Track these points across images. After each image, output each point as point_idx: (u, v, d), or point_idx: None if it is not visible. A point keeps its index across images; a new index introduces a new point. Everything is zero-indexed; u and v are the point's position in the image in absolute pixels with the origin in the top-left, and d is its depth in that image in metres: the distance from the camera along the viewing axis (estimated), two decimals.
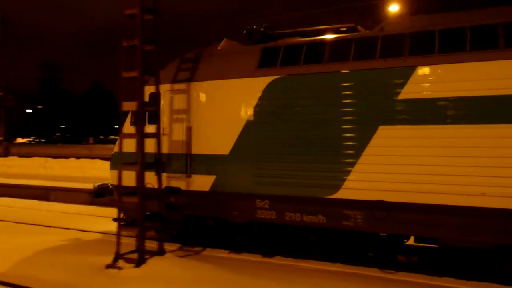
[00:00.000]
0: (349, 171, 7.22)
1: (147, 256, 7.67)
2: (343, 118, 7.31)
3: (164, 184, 8.81)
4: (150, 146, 8.58)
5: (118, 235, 7.83)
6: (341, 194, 7.29)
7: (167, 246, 8.42)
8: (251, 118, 8.04)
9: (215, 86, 8.46)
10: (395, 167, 6.88)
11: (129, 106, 8.09)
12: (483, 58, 6.40)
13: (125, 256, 7.71)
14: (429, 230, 6.79)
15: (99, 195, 10.46)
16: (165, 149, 8.83)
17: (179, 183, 8.72)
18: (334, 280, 6.97)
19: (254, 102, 8.03)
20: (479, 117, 6.33)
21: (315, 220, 7.54)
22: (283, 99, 7.80)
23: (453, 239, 6.68)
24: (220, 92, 8.41)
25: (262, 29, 8.80)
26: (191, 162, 8.57)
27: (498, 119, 6.21)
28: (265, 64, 8.10)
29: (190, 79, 8.73)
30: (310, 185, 7.52)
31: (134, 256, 7.63)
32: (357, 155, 7.17)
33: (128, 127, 9.39)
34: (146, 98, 9.01)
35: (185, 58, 9.25)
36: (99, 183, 10.52)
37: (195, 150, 8.55)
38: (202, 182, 8.48)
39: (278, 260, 8.12)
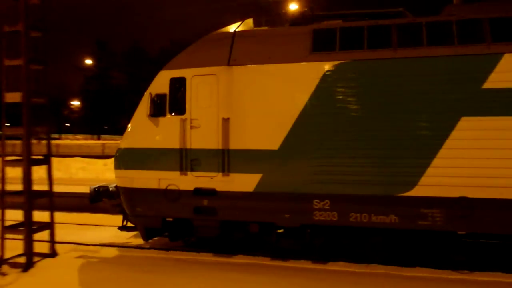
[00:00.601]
0: (427, 166, 6.70)
1: (37, 259, 7.44)
2: (420, 108, 6.75)
3: (193, 185, 7.62)
4: (166, 139, 7.45)
5: (2, 238, 7.31)
6: (417, 191, 6.74)
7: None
8: (307, 108, 7.14)
9: (260, 71, 7.41)
10: (480, 161, 6.49)
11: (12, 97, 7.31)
12: None
13: (10, 261, 7.30)
14: None
15: (95, 200, 8.86)
16: (194, 144, 7.62)
17: (214, 183, 7.56)
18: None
19: (311, 90, 7.14)
20: None
21: (386, 220, 6.92)
22: (347, 87, 7.03)
23: None
24: (266, 77, 7.38)
25: (304, 11, 7.93)
26: (229, 159, 7.46)
27: None
28: (320, 47, 7.24)
29: (224, 62, 7.57)
30: (381, 182, 6.88)
31: (22, 260, 7.30)
32: (436, 149, 6.66)
33: (142, 118, 7.97)
34: (159, 84, 7.77)
35: (211, 38, 8.03)
36: (96, 185, 8.91)
37: (234, 145, 7.45)
38: (244, 182, 7.42)
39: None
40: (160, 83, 7.91)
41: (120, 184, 8.22)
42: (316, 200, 7.14)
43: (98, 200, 8.89)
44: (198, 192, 7.65)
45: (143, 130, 8.00)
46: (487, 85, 6.49)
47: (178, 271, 7.12)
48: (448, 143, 6.62)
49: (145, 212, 8.03)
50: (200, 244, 8.34)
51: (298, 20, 7.98)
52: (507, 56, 6.42)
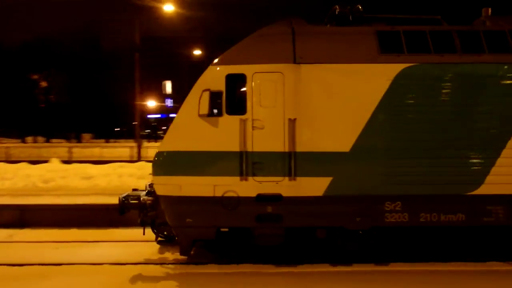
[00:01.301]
0: (493, 165, 7.20)
1: None
2: (485, 110, 7.24)
3: (255, 191, 7.15)
4: (223, 141, 6.95)
5: None
6: (483, 190, 7.20)
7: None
8: (379, 110, 7.17)
9: (329, 70, 7.23)
10: None
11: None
12: None
13: None
14: None
15: (123, 211, 7.80)
16: (256, 147, 7.15)
17: (279, 188, 7.16)
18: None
19: (382, 92, 7.19)
20: None
21: (454, 218, 7.26)
22: (416, 89, 7.24)
23: None
24: (335, 77, 7.23)
25: (354, 11, 7.94)
26: (296, 162, 7.14)
27: None
28: (388, 49, 7.35)
29: (290, 60, 7.25)
30: (450, 182, 7.20)
31: None
32: (501, 148, 7.20)
33: (192, 118, 7.23)
34: (212, 80, 7.19)
35: (269, 33, 7.63)
36: (124, 194, 7.83)
37: (302, 147, 7.16)
38: (313, 186, 7.17)
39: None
40: (214, 80, 7.27)
41: (163, 193, 7.32)
42: (388, 202, 7.21)
43: (125, 211, 7.84)
44: (261, 198, 7.17)
45: (193, 131, 7.25)
46: None
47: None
48: (507, 144, 7.21)
49: (197, 222, 7.27)
50: (201, 255, 7.85)
51: (346, 19, 7.97)
52: None
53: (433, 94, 7.24)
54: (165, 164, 7.33)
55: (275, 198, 7.18)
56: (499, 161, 7.19)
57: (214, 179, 7.20)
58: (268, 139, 7.17)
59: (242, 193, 7.18)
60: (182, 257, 7.83)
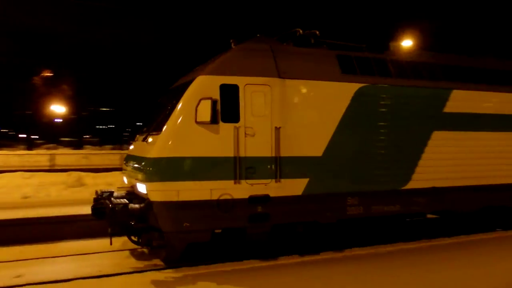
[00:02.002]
0: (416, 167, 9.39)
1: None
2: (413, 125, 9.38)
3: (248, 193, 7.91)
4: (219, 147, 7.65)
5: None
6: (410, 185, 9.33)
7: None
8: (342, 121, 8.65)
9: (306, 85, 8.41)
10: (443, 161, 9.65)
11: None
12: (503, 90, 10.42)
13: None
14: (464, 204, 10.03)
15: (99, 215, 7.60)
16: (248, 152, 7.89)
17: (267, 190, 8.01)
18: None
19: (345, 106, 8.70)
20: (493, 127, 10.16)
21: (393, 208, 9.22)
22: (369, 107, 8.95)
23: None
24: (310, 92, 8.45)
25: (314, 35, 9.27)
26: (281, 166, 8.11)
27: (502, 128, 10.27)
28: (346, 70, 8.90)
29: (275, 74, 8.17)
30: (389, 180, 9.13)
31: None
32: (419, 154, 9.45)
33: (188, 125, 7.56)
34: (207, 89, 7.76)
35: (255, 49, 8.40)
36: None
37: (285, 152, 8.16)
38: (294, 186, 8.23)
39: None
40: (209, 89, 7.71)
41: (160, 199, 7.40)
42: (349, 198, 8.75)
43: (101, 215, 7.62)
44: (253, 200, 7.91)
45: (190, 138, 7.55)
46: (446, 109, 9.77)
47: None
48: (425, 149, 9.53)
49: (194, 226, 7.57)
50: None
51: (308, 42, 9.27)
52: (455, 91, 9.89)
53: (377, 110, 9.08)
54: (162, 170, 7.44)
55: (264, 199, 8.01)
56: (420, 163, 9.46)
57: (210, 183, 7.63)
58: (259, 146, 7.96)
59: (236, 196, 7.80)
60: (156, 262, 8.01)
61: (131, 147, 9.45)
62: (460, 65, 10.47)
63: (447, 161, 9.69)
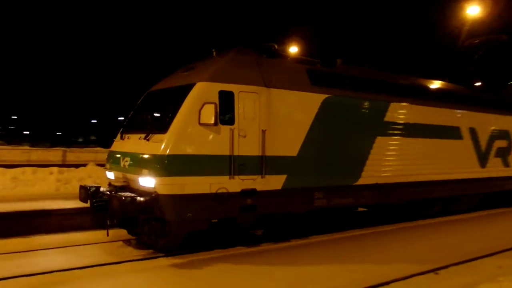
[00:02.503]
0: (364, 166, 11.31)
1: None
2: (362, 131, 11.29)
3: (240, 187, 9.10)
4: (217, 146, 8.79)
5: None
6: (360, 182, 11.22)
7: None
8: (312, 126, 10.19)
9: (284, 94, 9.80)
10: (386, 162, 11.72)
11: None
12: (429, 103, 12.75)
13: None
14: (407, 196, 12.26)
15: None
16: (241, 151, 9.08)
17: (255, 184, 9.25)
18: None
19: (314, 113, 10.28)
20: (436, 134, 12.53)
21: (349, 201, 11.02)
22: (332, 114, 10.62)
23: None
24: (287, 100, 9.85)
25: (275, 47, 10.72)
26: (265, 164, 9.41)
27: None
28: (314, 83, 10.48)
29: (261, 83, 9.45)
30: (346, 177, 10.92)
31: None
32: (368, 155, 11.40)
33: (193, 125, 8.53)
34: (208, 94, 8.86)
35: (244, 60, 9.59)
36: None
37: (269, 152, 9.47)
38: (275, 182, 9.58)
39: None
40: (209, 94, 8.73)
41: (167, 192, 8.24)
42: (316, 192, 10.33)
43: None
44: (244, 193, 9.09)
45: (194, 137, 8.52)
46: (385, 119, 11.87)
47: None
48: (371, 151, 11.51)
49: (195, 216, 8.53)
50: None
51: (281, 55, 10.74)
52: (393, 104, 12.05)
53: (336, 118, 10.80)
54: (171, 166, 8.30)
55: (252, 193, 9.23)
56: (367, 163, 11.40)
57: (210, 179, 8.66)
58: (249, 146, 9.17)
59: (231, 189, 8.91)
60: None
61: (118, 144, 10.00)
62: (397, 83, 12.73)
63: (385, 162, 11.79)
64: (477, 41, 17.98)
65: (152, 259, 8.54)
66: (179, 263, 8.36)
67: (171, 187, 8.30)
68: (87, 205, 9.50)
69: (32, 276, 7.29)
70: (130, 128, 10.01)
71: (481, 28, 18.76)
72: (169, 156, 8.34)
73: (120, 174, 9.49)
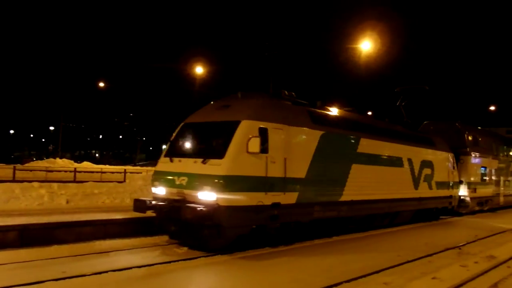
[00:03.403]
0: (345, 186, 14.93)
1: None
2: (343, 158, 14.93)
3: (270, 201, 12.15)
4: (258, 169, 11.85)
5: None
6: (343, 198, 14.78)
7: None
8: (314, 155, 13.59)
9: (295, 130, 13.08)
10: (357, 183, 15.45)
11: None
12: (384, 139, 16.77)
13: None
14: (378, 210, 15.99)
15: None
16: (271, 174, 12.14)
17: (279, 199, 12.32)
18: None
19: (315, 145, 13.69)
20: (387, 163, 16.51)
21: (336, 213, 14.51)
22: (327, 146, 14.11)
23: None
24: (297, 134, 13.15)
25: (291, 94, 14.10)
26: (286, 183, 12.55)
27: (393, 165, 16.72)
28: (314, 121, 13.91)
29: (283, 122, 12.63)
30: (334, 194, 14.42)
31: None
32: (346, 178, 15.05)
33: (242, 153, 11.42)
34: (253, 130, 11.88)
35: (269, 103, 12.73)
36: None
37: (288, 174, 12.64)
38: (291, 197, 12.74)
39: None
40: (252, 129, 11.69)
41: (226, 204, 10.99)
42: (316, 206, 13.66)
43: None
44: (273, 206, 12.11)
45: (243, 162, 11.41)
46: (360, 151, 15.69)
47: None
48: (348, 175, 15.20)
49: (243, 223, 11.39)
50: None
51: (292, 99, 14.06)
52: (362, 139, 15.92)
53: (327, 149, 14.34)
54: (229, 184, 11.09)
55: (278, 206, 12.28)
56: (346, 184, 15.05)
57: (253, 194, 11.57)
58: (276, 170, 12.26)
59: (265, 203, 11.90)
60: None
61: (167, 166, 12.42)
62: (366, 123, 16.71)
63: (356, 183, 15.53)
64: (406, 87, 22.98)
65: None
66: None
67: (228, 200, 11.10)
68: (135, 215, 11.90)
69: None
70: (177, 153, 12.56)
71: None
72: (227, 176, 11.16)
73: (174, 190, 11.97)
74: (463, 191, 24.25)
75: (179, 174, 12.00)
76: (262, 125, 12.06)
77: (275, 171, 12.24)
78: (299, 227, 13.60)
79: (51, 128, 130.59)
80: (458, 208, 24.26)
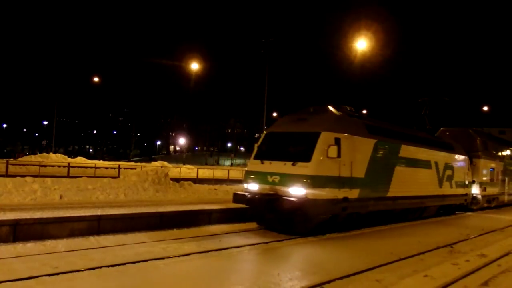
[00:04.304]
0: (390, 185, 18.52)
1: None
2: (391, 162, 18.52)
3: (342, 195, 15.68)
4: (335, 171, 15.37)
5: None
6: (388, 194, 18.36)
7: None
8: (370, 159, 17.14)
9: (357, 139, 16.60)
10: (398, 182, 19.03)
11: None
12: (417, 145, 20.46)
13: None
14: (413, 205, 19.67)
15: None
16: (342, 174, 15.66)
17: (347, 194, 15.83)
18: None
19: (371, 151, 17.24)
20: (420, 165, 20.17)
21: (382, 207, 18.08)
22: (381, 152, 17.67)
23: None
24: (359, 142, 16.67)
25: (351, 109, 17.65)
26: (352, 181, 16.07)
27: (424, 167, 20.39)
28: (370, 132, 17.45)
29: (349, 132, 16.14)
30: (383, 191, 18.00)
31: None
32: (391, 178, 18.63)
33: (323, 157, 14.92)
34: (330, 139, 15.41)
35: (338, 116, 16.27)
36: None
37: (354, 174, 16.16)
38: (355, 192, 16.26)
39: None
40: (330, 139, 15.19)
41: (312, 197, 14.45)
42: (371, 200, 17.22)
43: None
44: (344, 199, 15.63)
45: (324, 165, 14.90)
46: (401, 156, 19.30)
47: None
48: (392, 176, 18.79)
49: (324, 212, 14.89)
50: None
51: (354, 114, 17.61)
52: (402, 145, 19.53)
53: (379, 154, 17.90)
54: (315, 182, 14.58)
55: (347, 199, 15.81)
56: (391, 183, 18.62)
57: (330, 190, 15.07)
58: (346, 171, 15.77)
59: (339, 197, 15.41)
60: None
61: (259, 166, 15.84)
62: (405, 132, 20.32)
63: (398, 182, 19.12)
64: (426, 99, 26.71)
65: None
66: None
67: (314, 194, 14.59)
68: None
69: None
70: (266, 156, 15.99)
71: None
72: (313, 176, 14.66)
73: (267, 186, 15.40)
74: (475, 190, 28.05)
75: (271, 174, 15.45)
76: (336, 135, 15.57)
77: (345, 172, 15.76)
78: (358, 217, 17.15)
79: (45, 122, 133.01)
80: (470, 205, 28.04)
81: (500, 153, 32.70)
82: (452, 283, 9.43)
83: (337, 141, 15.50)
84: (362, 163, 16.85)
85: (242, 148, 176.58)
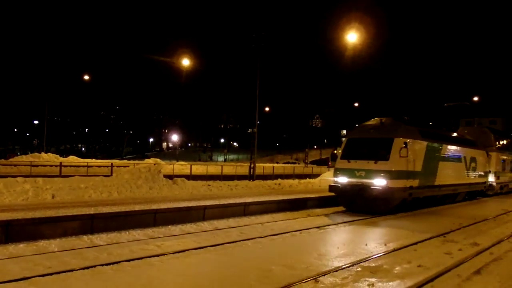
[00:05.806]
0: (436, 175, 24.96)
1: None
2: (438, 157, 24.96)
3: (409, 184, 22.03)
4: (404, 167, 21.73)
5: None
6: (436, 183, 24.80)
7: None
8: (425, 156, 23.51)
9: (415, 142, 22.93)
10: (442, 173, 25.49)
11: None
12: (453, 144, 27.09)
13: None
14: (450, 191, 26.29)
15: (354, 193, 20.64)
16: (410, 169, 22.00)
17: (412, 183, 22.16)
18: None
19: (424, 150, 23.61)
20: (454, 159, 26.73)
21: (435, 192, 24.55)
22: (432, 152, 24.08)
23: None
24: (416, 145, 22.98)
25: (409, 118, 23.99)
26: (414, 174, 22.40)
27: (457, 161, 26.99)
28: (423, 135, 23.83)
29: (410, 137, 22.46)
30: (432, 180, 24.44)
31: None
32: (437, 170, 25.08)
33: (397, 156, 21.22)
34: (402, 142, 21.75)
35: (401, 125, 22.61)
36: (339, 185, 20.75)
37: (415, 168, 22.49)
38: (415, 182, 22.59)
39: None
40: (401, 143, 21.45)
41: (393, 186, 20.74)
42: (426, 188, 23.62)
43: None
44: (410, 187, 21.97)
45: (398, 162, 21.18)
46: (442, 153, 25.77)
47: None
48: (439, 168, 25.24)
49: (399, 197, 21.26)
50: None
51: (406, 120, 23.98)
52: (444, 145, 26.01)
53: (430, 153, 24.29)
54: (392, 174, 20.88)
55: (412, 187, 22.16)
56: (437, 174, 25.09)
57: (403, 181, 21.41)
58: (412, 166, 22.10)
59: (407, 185, 21.75)
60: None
61: (346, 164, 22.09)
62: (443, 134, 26.81)
63: (441, 173, 25.55)
64: (452, 104, 33.33)
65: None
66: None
67: (393, 183, 20.91)
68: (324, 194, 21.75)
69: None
70: (351, 157, 22.24)
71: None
72: (392, 170, 21.00)
73: (354, 179, 21.68)
74: (491, 178, 34.80)
75: (358, 170, 21.73)
76: (405, 140, 21.89)
77: (410, 167, 22.13)
78: (417, 201, 23.57)
79: (36, 122, 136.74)
80: (487, 191, 34.80)
81: (509, 147, 39.56)
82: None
83: (406, 144, 21.81)
84: (419, 160, 23.20)
85: (235, 144, 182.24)
